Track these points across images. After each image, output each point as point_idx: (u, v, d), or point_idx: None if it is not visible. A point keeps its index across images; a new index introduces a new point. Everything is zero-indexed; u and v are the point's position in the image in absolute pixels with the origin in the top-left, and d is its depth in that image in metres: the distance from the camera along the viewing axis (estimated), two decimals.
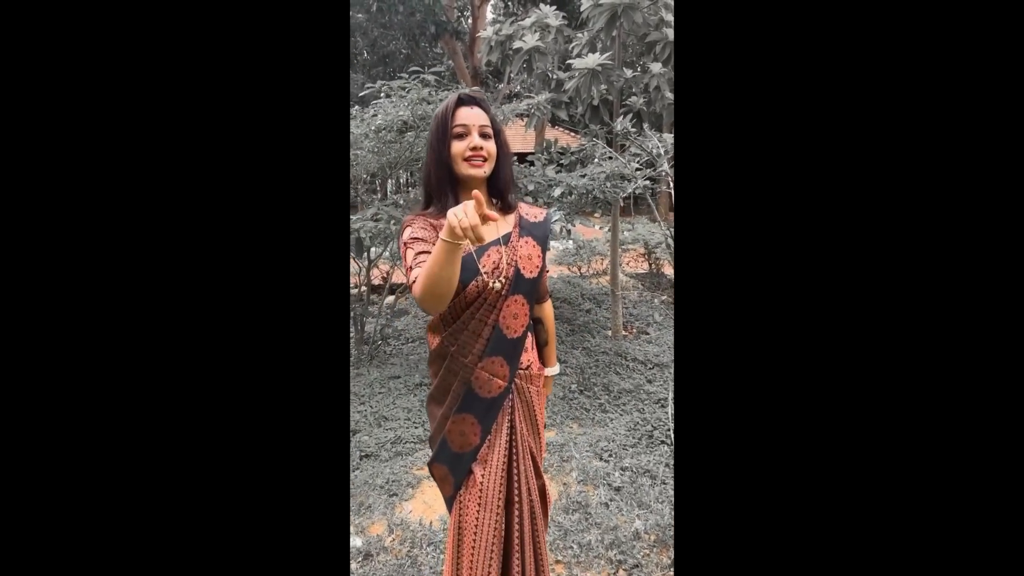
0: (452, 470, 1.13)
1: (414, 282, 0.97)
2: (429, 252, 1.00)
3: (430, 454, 1.19)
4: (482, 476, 1.10)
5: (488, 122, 1.07)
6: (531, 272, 1.11)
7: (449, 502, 1.16)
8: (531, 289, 1.13)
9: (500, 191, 1.12)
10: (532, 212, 1.17)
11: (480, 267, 1.07)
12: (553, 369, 1.28)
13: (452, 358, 1.11)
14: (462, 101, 1.07)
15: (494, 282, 1.07)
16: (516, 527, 1.11)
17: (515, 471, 1.12)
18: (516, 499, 1.12)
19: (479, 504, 1.09)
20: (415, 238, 1.04)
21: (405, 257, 1.05)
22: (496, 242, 1.10)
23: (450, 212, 0.83)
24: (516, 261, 1.09)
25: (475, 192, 0.81)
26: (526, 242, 1.12)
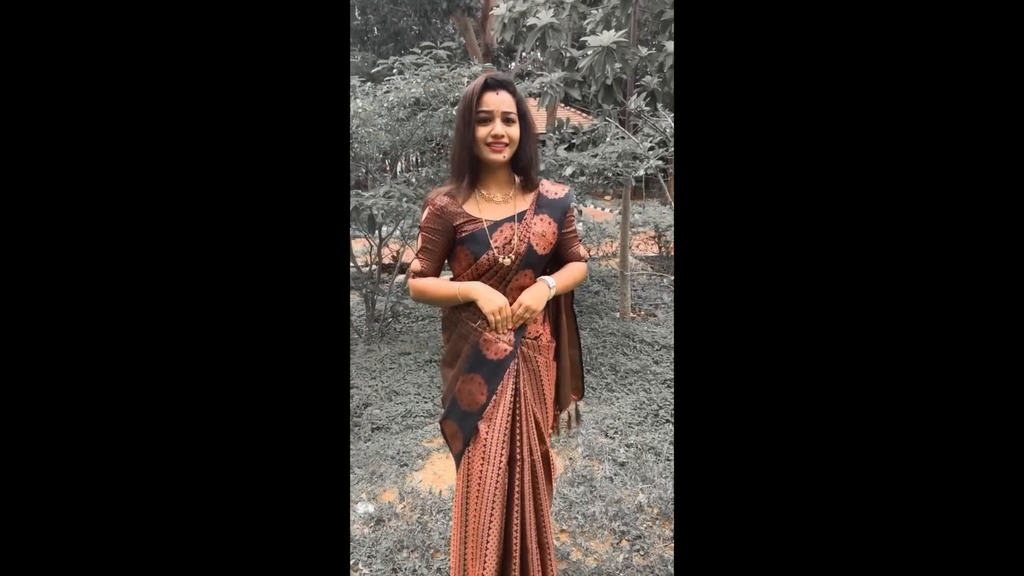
0: (461, 427, 1.20)
1: (414, 275, 1.18)
2: (432, 248, 1.17)
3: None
4: (486, 432, 1.16)
5: (513, 107, 1.11)
6: (544, 248, 1.18)
7: (458, 458, 1.22)
8: (542, 263, 1.19)
9: (522, 169, 1.18)
10: (553, 189, 1.22)
11: (492, 242, 1.14)
12: (550, 279, 1.18)
13: (463, 323, 1.18)
14: (488, 85, 1.10)
15: (504, 258, 1.14)
16: (517, 483, 1.18)
17: (518, 431, 1.19)
18: (518, 457, 1.18)
19: (483, 459, 1.16)
20: (428, 226, 1.16)
21: (419, 238, 1.20)
22: (510, 219, 1.16)
23: (489, 304, 1.11)
24: (529, 238, 1.15)
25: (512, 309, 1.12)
26: (541, 219, 1.18)
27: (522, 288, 1.17)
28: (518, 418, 1.19)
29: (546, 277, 1.19)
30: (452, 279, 1.21)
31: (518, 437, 1.19)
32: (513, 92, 1.12)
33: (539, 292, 1.16)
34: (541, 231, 1.16)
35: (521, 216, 1.16)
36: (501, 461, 1.16)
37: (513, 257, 1.14)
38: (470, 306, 1.16)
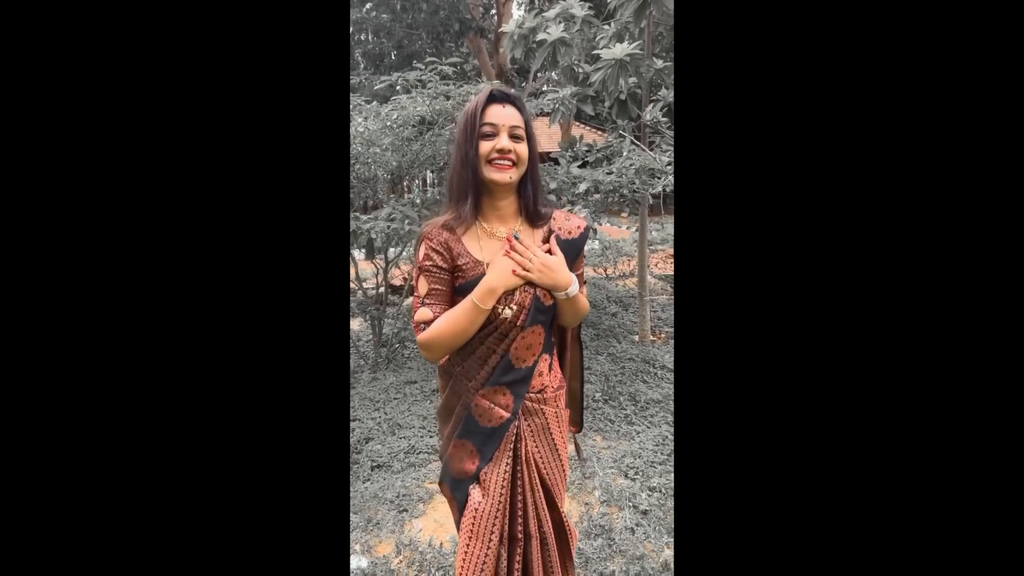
0: (454, 494, 1.06)
1: (422, 324, 0.94)
2: (440, 289, 0.96)
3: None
4: (479, 503, 1.00)
5: (520, 122, 0.97)
6: (551, 299, 0.98)
7: (458, 525, 1.07)
8: (551, 317, 1.00)
9: (528, 199, 1.00)
10: (567, 227, 1.02)
11: None
12: (576, 284, 1.00)
13: (456, 379, 1.03)
14: (494, 98, 0.97)
15: (504, 309, 0.94)
16: (518, 564, 1.00)
17: (519, 504, 1.02)
18: (519, 535, 1.01)
19: (471, 533, 0.99)
20: (431, 265, 0.96)
21: (417, 283, 0.99)
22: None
23: (501, 277, 0.91)
24: (535, 289, 0.96)
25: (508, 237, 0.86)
26: None
27: (527, 347, 0.97)
28: (520, 488, 1.02)
29: (576, 283, 0.99)
30: None
31: (520, 510, 1.02)
32: (521, 108, 0.98)
33: (557, 264, 0.94)
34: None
35: None
36: (492, 538, 0.99)
37: (515, 308, 0.94)
38: (464, 361, 1.00)
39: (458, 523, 1.05)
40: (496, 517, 0.99)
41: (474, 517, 0.99)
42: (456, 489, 1.04)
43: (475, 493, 1.01)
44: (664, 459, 2.29)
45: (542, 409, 1.04)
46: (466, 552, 0.99)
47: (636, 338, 3.76)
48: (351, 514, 1.99)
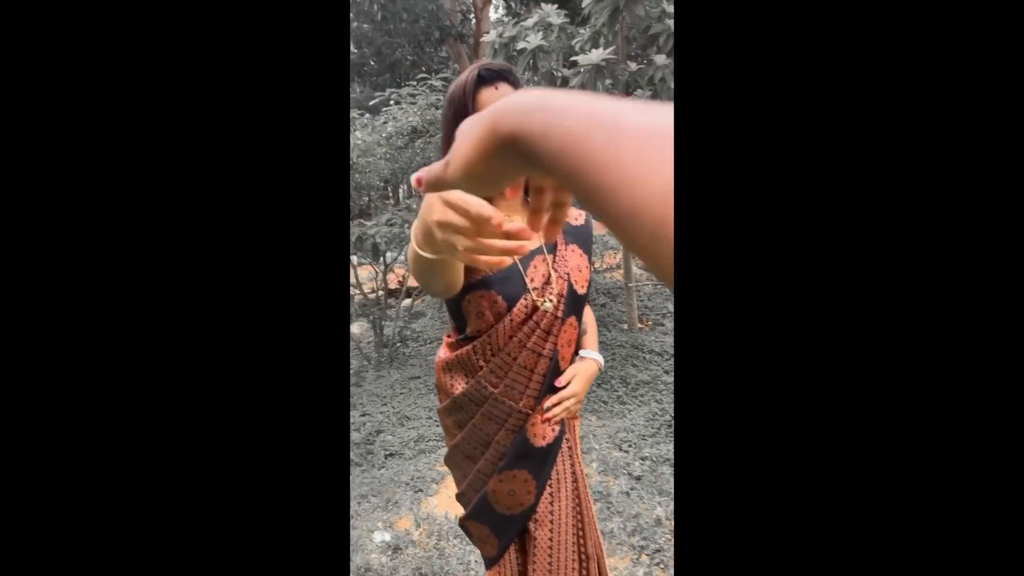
0: (497, 533, 0.93)
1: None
2: None
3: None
4: (550, 540, 0.90)
5: None
6: (582, 287, 0.90)
7: (492, 562, 0.96)
8: (583, 308, 0.92)
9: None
10: (571, 214, 0.95)
11: (528, 282, 0.85)
12: (596, 355, 0.98)
13: (495, 402, 0.87)
14: (483, 79, 0.81)
15: (544, 302, 0.84)
16: None
17: (581, 525, 0.93)
18: (584, 556, 0.93)
19: (550, 573, 0.91)
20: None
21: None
22: (539, 251, 0.88)
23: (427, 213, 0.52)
24: (568, 274, 0.87)
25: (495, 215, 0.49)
26: (573, 250, 0.90)
27: (568, 343, 0.88)
28: (582, 508, 0.94)
29: (590, 352, 0.95)
30: (461, 342, 0.89)
31: (581, 532, 0.93)
32: (515, 84, 0.83)
33: (590, 375, 0.91)
34: (576, 265, 0.90)
35: (553, 247, 0.88)
36: (574, 570, 0.92)
37: (554, 300, 0.85)
38: (505, 377, 0.85)
39: (495, 560, 0.93)
40: (574, 546, 0.91)
41: (551, 557, 0.89)
42: (504, 526, 0.91)
43: (542, 532, 0.90)
44: (654, 432, 2.49)
45: (571, 422, 0.95)
46: None
47: (625, 326, 3.97)
48: (371, 497, 2.17)
